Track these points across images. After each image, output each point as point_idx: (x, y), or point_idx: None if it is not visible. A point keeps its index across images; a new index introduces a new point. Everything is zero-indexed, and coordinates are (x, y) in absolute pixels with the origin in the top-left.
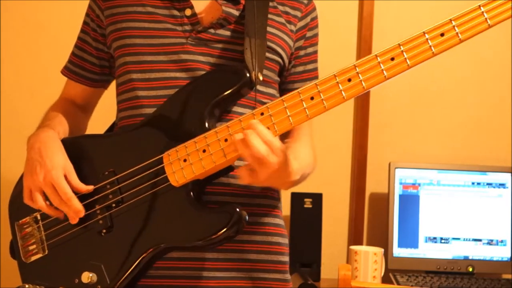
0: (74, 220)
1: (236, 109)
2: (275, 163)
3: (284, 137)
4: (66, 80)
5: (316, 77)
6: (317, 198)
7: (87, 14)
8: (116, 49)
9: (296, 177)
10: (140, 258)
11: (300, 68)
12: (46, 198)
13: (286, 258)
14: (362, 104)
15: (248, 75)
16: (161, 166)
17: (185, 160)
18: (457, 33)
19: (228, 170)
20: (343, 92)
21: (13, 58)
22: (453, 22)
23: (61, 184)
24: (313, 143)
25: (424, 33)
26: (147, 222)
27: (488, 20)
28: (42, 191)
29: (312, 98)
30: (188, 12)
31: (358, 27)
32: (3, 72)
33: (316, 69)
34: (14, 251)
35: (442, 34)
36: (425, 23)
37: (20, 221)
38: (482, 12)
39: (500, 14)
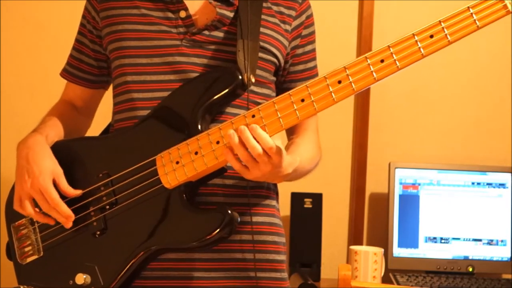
0: (67, 225)
1: (230, 110)
2: (268, 165)
3: (290, 133)
4: (65, 81)
5: (317, 75)
6: (317, 198)
7: (83, 16)
8: (112, 51)
9: (288, 171)
10: (133, 260)
11: (301, 67)
12: (36, 205)
13: (282, 257)
14: (362, 104)
15: (240, 77)
16: (154, 168)
17: (177, 162)
18: (446, 34)
19: (221, 171)
20: (333, 94)
21: (13, 58)
22: (442, 23)
23: (48, 189)
24: (318, 138)
25: (413, 35)
26: (141, 224)
27: (477, 21)
28: (31, 198)
29: (302, 100)
30: (182, 14)
31: (358, 27)
32: (3, 72)
33: (316, 66)
34: (10, 252)
35: (431, 36)
36: (425, 23)
37: (16, 223)
38: (471, 13)
39: (489, 16)
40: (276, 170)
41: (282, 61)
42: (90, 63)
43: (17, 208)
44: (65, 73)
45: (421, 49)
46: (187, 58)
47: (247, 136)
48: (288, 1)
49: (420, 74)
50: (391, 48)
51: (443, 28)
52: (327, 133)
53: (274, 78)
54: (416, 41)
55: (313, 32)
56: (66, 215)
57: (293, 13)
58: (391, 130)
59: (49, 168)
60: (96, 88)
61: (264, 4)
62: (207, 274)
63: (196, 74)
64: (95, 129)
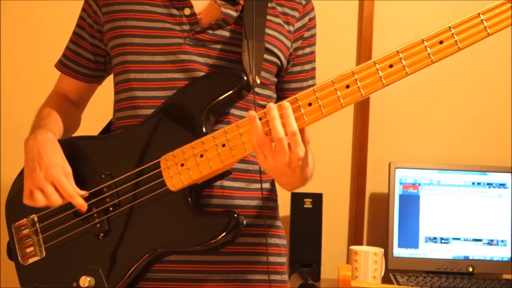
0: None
1: (234, 111)
2: (285, 156)
3: None
4: (60, 74)
5: (313, 77)
6: (317, 198)
7: (83, 9)
8: (113, 48)
9: (302, 184)
10: (138, 262)
11: (298, 68)
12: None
13: (283, 259)
14: (362, 104)
15: (245, 78)
16: (158, 170)
17: (182, 165)
18: (456, 41)
19: (226, 173)
20: (341, 99)
21: (13, 58)
22: (452, 29)
23: (62, 181)
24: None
25: (422, 40)
26: (145, 226)
27: (487, 28)
28: (42, 190)
29: (310, 104)
30: (187, 11)
31: (358, 28)
32: (3, 72)
33: (313, 69)
34: (11, 252)
35: (441, 42)
36: (425, 23)
37: (17, 223)
38: (482, 20)
39: (499, 23)
40: (292, 166)
41: (284, 62)
42: (88, 57)
43: (27, 201)
44: (60, 65)
45: (431, 55)
46: (190, 56)
47: (273, 115)
48: (293, 2)
49: (420, 74)
50: (400, 54)
51: (453, 34)
52: (327, 133)
53: (276, 80)
54: (426, 46)
55: (314, 35)
56: (80, 205)
57: (296, 14)
58: (391, 130)
59: (61, 164)
60: (91, 82)
61: (269, 4)
62: (210, 277)
63: (200, 73)
64: (95, 127)
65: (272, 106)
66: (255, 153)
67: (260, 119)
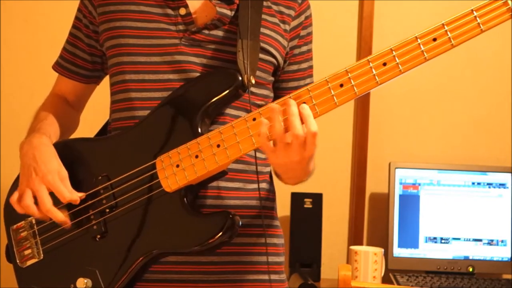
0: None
1: (229, 111)
2: (298, 154)
3: None
4: (57, 76)
5: (311, 76)
6: (317, 198)
7: (79, 10)
8: (109, 49)
9: (305, 178)
10: (135, 264)
11: (294, 67)
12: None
13: (281, 259)
14: (362, 104)
15: (240, 78)
16: (154, 171)
17: (177, 166)
18: (449, 38)
19: (222, 174)
20: (335, 98)
21: (13, 58)
22: (445, 26)
23: (59, 187)
24: None
25: (416, 37)
26: (141, 228)
27: (481, 25)
28: (33, 194)
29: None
30: (182, 11)
31: (358, 27)
32: (3, 72)
33: (311, 67)
34: (9, 255)
35: (434, 39)
36: (425, 23)
37: (15, 226)
38: (475, 16)
39: (493, 19)
40: (303, 163)
41: (281, 61)
42: (84, 58)
43: (14, 203)
44: (57, 67)
45: (424, 53)
46: (186, 57)
47: (293, 111)
48: (288, 1)
49: (420, 74)
50: (393, 51)
51: (446, 31)
52: (327, 133)
53: (273, 79)
54: (419, 44)
55: (310, 33)
56: (61, 220)
57: (292, 13)
58: (391, 130)
59: (57, 169)
60: (88, 83)
61: (264, 3)
62: (207, 277)
63: (196, 74)
64: (91, 128)
65: (292, 102)
66: (266, 148)
67: (255, 119)
